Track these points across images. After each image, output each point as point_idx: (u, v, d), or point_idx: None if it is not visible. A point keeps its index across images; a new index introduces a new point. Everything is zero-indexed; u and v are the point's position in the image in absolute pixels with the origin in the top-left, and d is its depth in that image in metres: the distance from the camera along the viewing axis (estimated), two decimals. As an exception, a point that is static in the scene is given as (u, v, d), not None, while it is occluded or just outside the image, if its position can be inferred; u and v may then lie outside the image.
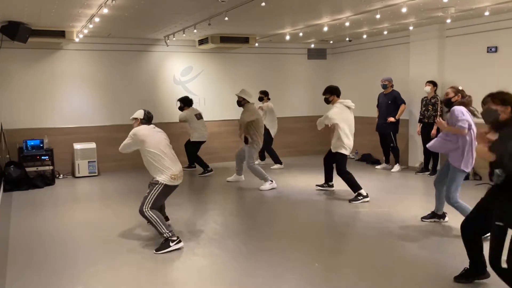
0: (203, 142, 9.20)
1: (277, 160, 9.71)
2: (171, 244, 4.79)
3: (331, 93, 7.02)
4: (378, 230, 5.45)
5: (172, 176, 4.96)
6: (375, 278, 4.08)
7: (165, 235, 4.81)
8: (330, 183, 7.54)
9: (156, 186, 4.93)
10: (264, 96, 9.81)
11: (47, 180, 8.38)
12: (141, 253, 4.75)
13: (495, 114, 3.47)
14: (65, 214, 6.51)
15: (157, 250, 4.77)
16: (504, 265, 3.21)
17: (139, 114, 5.27)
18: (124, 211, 6.54)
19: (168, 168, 4.96)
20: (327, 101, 7.08)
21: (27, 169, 8.27)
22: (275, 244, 5.04)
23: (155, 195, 4.92)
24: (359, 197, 6.69)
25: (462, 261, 4.07)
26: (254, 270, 4.29)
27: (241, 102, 7.88)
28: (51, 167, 8.57)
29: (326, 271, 4.25)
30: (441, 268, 4.25)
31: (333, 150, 6.91)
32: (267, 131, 9.25)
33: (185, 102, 9.23)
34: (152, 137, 5.04)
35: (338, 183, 7.19)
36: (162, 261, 4.57)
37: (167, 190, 5.02)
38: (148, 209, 4.87)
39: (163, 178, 4.94)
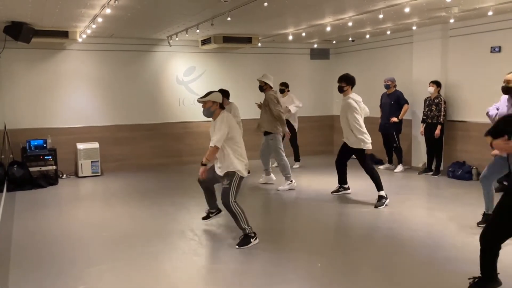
0: None
1: (297, 158, 9.71)
2: (251, 240, 4.82)
3: (347, 83, 6.46)
4: (381, 230, 5.45)
5: (246, 166, 4.88)
6: (379, 278, 4.08)
7: (246, 230, 4.81)
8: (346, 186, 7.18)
9: (234, 177, 4.80)
10: (285, 88, 9.59)
11: (51, 180, 8.41)
12: (144, 253, 4.76)
13: None
14: (68, 214, 6.53)
15: (239, 245, 4.79)
16: None
17: (218, 97, 4.79)
18: (127, 211, 6.55)
19: (243, 156, 4.84)
20: (341, 90, 6.52)
21: (31, 169, 8.29)
22: (277, 244, 5.04)
23: (235, 185, 4.81)
24: (382, 200, 6.51)
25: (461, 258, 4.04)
26: (256, 270, 4.29)
27: (263, 87, 7.56)
28: (54, 167, 8.59)
29: (329, 272, 4.25)
30: (451, 268, 4.25)
31: (356, 146, 6.54)
32: (291, 125, 9.20)
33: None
34: (234, 124, 4.81)
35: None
36: (165, 261, 4.57)
37: (242, 180, 4.90)
38: (234, 201, 4.79)
39: (239, 168, 4.80)
